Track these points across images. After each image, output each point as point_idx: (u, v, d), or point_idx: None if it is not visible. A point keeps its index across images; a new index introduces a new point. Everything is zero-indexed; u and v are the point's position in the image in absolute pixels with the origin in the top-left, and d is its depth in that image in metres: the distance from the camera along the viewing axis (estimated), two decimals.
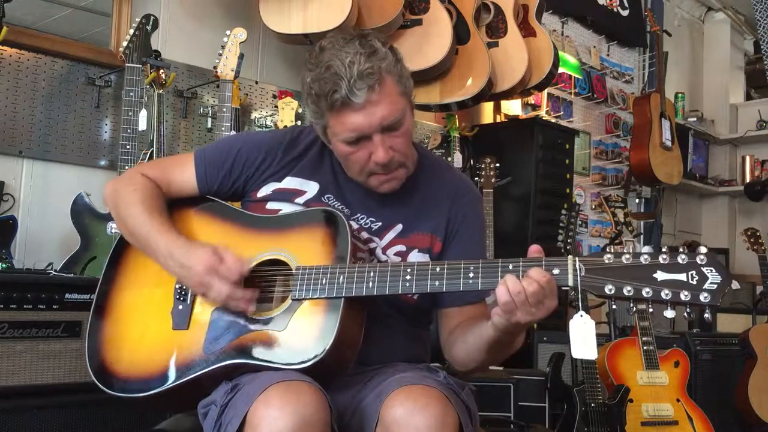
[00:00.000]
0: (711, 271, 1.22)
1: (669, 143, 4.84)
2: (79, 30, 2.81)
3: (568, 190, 3.95)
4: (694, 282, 1.21)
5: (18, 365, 1.92)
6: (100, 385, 1.48)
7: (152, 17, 2.62)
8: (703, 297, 1.21)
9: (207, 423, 1.35)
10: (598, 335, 3.28)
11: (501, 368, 2.99)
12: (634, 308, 1.28)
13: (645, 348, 2.90)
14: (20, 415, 1.91)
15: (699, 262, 1.22)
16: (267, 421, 1.21)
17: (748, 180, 5.96)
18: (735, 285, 4.23)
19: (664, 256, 1.23)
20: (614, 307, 1.28)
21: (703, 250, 1.23)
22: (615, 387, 2.82)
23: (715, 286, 1.21)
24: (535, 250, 1.34)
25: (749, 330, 3.61)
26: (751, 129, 6.07)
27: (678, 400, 2.88)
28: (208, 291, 1.41)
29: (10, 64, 2.56)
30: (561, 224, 3.08)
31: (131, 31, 2.58)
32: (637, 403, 2.82)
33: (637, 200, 5.34)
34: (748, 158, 6.05)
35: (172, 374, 1.43)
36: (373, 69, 1.40)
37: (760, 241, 3.95)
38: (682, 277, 1.22)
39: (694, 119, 5.88)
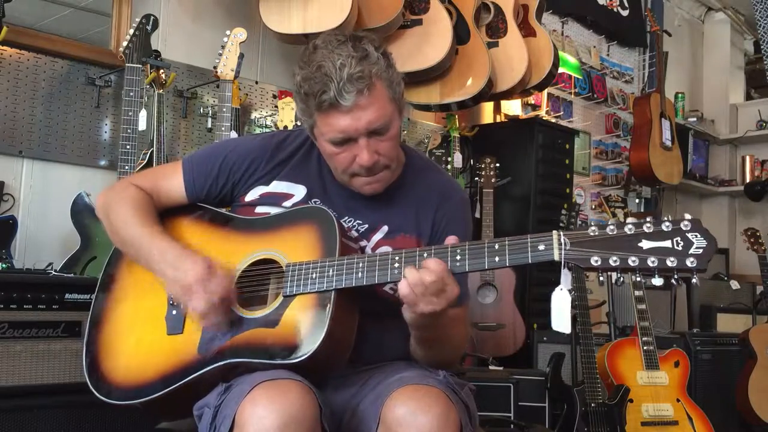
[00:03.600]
0: (696, 236, 1.21)
1: (669, 143, 4.84)
2: (79, 30, 2.81)
3: (568, 190, 3.95)
4: (680, 248, 1.21)
5: (18, 365, 1.92)
6: (98, 395, 1.48)
7: (152, 17, 2.62)
8: (690, 262, 1.20)
9: (202, 425, 1.35)
10: (599, 335, 3.28)
11: (501, 368, 2.99)
12: (622, 279, 1.26)
13: (645, 348, 2.90)
14: (20, 415, 1.91)
15: (683, 228, 1.22)
16: (254, 420, 1.21)
17: (748, 180, 5.96)
18: (735, 285, 4.19)
19: (649, 225, 1.23)
20: (602, 279, 1.27)
21: (687, 216, 1.23)
22: (615, 387, 2.82)
23: (701, 250, 1.20)
24: (452, 239, 1.35)
25: (749, 330, 3.61)
26: (751, 129, 6.07)
27: (678, 400, 2.88)
28: (189, 300, 1.41)
29: (10, 64, 2.56)
30: (561, 224, 3.08)
31: (131, 31, 2.58)
32: (637, 403, 2.81)
33: (637, 200, 5.34)
34: (748, 158, 6.05)
35: (168, 379, 1.43)
36: (364, 73, 1.40)
37: (760, 241, 3.95)
38: (668, 244, 1.22)
39: (694, 119, 5.88)
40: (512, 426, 2.54)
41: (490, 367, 3.07)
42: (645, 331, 2.93)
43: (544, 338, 3.27)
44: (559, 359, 2.85)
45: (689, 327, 4.27)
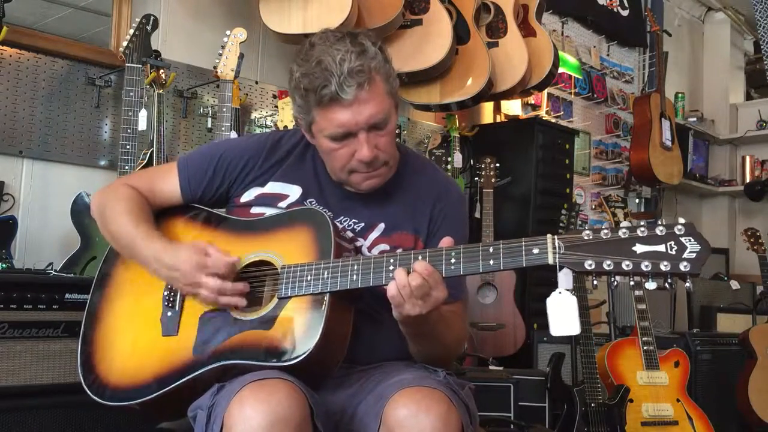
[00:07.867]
0: (690, 240, 1.21)
1: (669, 143, 4.84)
2: (79, 30, 2.81)
3: (568, 190, 3.95)
4: (674, 252, 1.20)
5: (18, 365, 1.93)
6: (92, 396, 1.49)
7: (152, 17, 2.62)
8: (683, 266, 1.20)
9: (197, 427, 1.35)
10: (599, 335, 3.28)
11: (501, 368, 2.99)
12: (616, 283, 1.26)
13: (645, 348, 2.90)
14: (20, 415, 1.91)
15: (677, 233, 1.21)
16: (241, 421, 1.21)
17: (748, 180, 5.96)
18: (735, 285, 4.20)
19: (642, 229, 1.23)
20: (596, 283, 1.27)
21: (681, 220, 1.23)
22: (615, 387, 2.82)
23: (695, 254, 1.20)
24: (447, 242, 1.35)
25: (749, 330, 3.61)
26: (751, 129, 6.07)
27: (678, 400, 2.88)
28: (198, 289, 1.42)
29: (10, 64, 2.56)
30: (561, 224, 3.08)
31: (131, 31, 2.58)
32: (637, 403, 2.81)
33: (637, 200, 5.34)
34: (748, 158, 6.05)
35: (163, 380, 1.44)
36: (364, 67, 1.41)
37: (760, 241, 3.95)
38: (661, 248, 1.21)
39: (694, 119, 5.88)
40: (512, 426, 2.54)
41: (490, 367, 3.07)
42: (645, 331, 2.93)
43: (544, 338, 3.27)
44: (559, 359, 2.85)
45: (689, 327, 4.26)
